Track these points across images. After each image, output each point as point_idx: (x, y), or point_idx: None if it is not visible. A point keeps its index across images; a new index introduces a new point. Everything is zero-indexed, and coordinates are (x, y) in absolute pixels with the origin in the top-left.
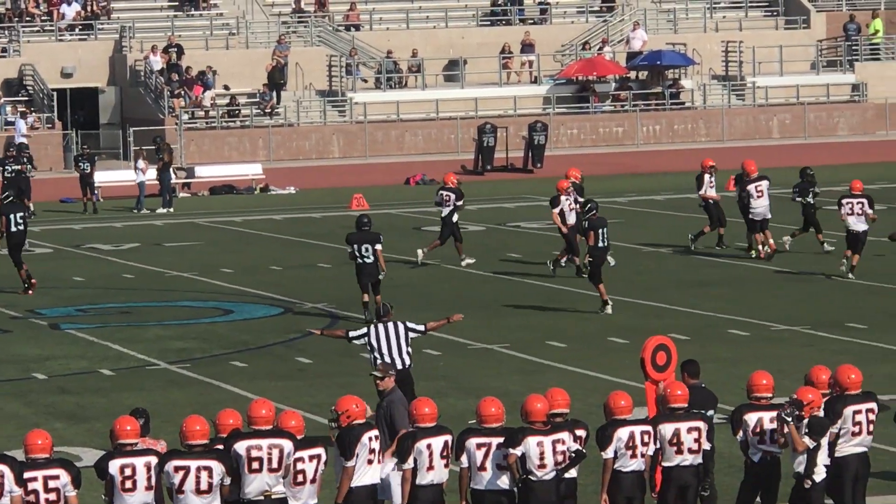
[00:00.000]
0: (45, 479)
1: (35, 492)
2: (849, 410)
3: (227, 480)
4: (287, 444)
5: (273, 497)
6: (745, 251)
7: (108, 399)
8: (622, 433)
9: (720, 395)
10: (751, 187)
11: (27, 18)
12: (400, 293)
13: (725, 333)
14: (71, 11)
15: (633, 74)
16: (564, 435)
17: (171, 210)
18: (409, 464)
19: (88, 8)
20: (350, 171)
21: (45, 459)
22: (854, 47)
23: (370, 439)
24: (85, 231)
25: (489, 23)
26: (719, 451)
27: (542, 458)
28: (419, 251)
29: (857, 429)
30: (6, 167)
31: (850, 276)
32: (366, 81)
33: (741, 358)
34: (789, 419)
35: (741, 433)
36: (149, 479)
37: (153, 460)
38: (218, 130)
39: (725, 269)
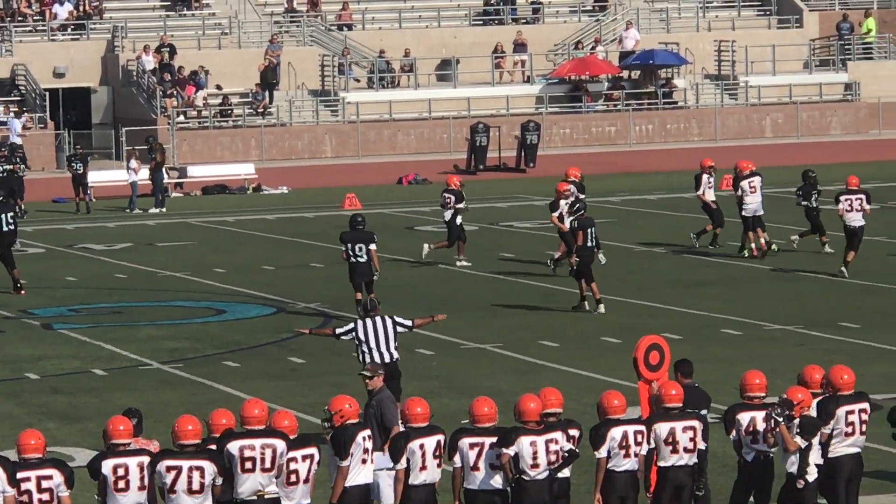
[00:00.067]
0: (39, 479)
1: (28, 492)
2: (841, 411)
3: (219, 480)
4: (280, 444)
5: (266, 497)
6: (738, 251)
7: (101, 399)
8: (615, 433)
9: (713, 394)
10: (744, 183)
11: (19, 18)
12: (394, 293)
13: (719, 333)
14: (63, 11)
15: (625, 74)
16: (557, 434)
17: (164, 210)
18: (402, 464)
19: (81, 8)
20: (342, 170)
21: (39, 459)
22: (847, 46)
23: (364, 439)
24: (77, 231)
25: (482, 22)
26: (713, 451)
27: (535, 458)
28: (426, 245)
29: (850, 429)
30: None
31: (844, 270)
32: (358, 81)
33: (734, 357)
34: (780, 419)
35: (734, 433)
36: (142, 479)
37: (146, 460)
38: (210, 130)
39: (719, 268)
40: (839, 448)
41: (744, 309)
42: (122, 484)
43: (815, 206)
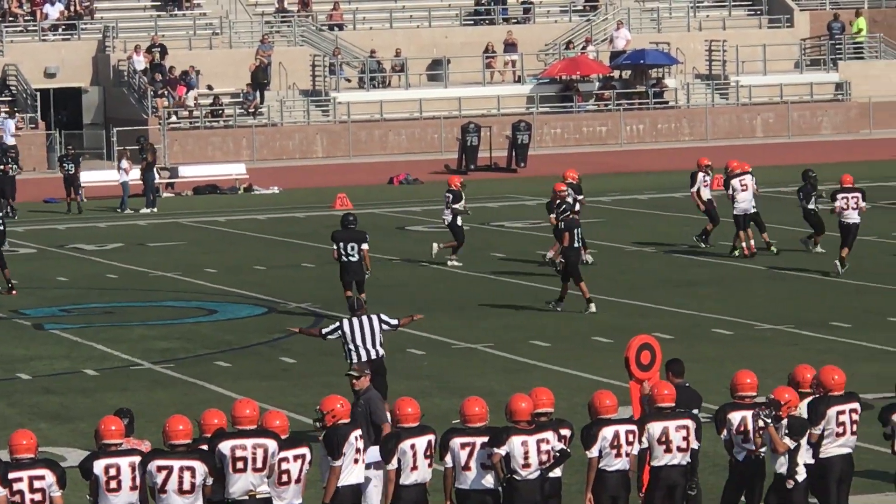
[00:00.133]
0: (31, 479)
1: (20, 492)
2: (832, 411)
3: (210, 481)
4: (271, 444)
5: (258, 497)
6: (729, 251)
7: (93, 399)
8: (607, 432)
9: (704, 394)
10: (734, 181)
11: (10, 18)
12: (385, 293)
13: (710, 333)
14: (54, 11)
15: (616, 74)
16: (549, 434)
17: (155, 210)
18: (393, 464)
19: (71, 8)
20: (334, 170)
21: (30, 459)
22: (837, 46)
23: (356, 438)
24: (69, 231)
25: (472, 22)
26: (704, 451)
27: (526, 458)
28: (434, 244)
29: (841, 429)
30: None
31: (838, 263)
32: (349, 81)
33: (725, 357)
34: (768, 420)
35: (725, 432)
36: (133, 479)
37: (138, 460)
38: (201, 130)
39: (709, 268)
40: (830, 448)
41: (735, 308)
42: (113, 484)
43: (813, 208)
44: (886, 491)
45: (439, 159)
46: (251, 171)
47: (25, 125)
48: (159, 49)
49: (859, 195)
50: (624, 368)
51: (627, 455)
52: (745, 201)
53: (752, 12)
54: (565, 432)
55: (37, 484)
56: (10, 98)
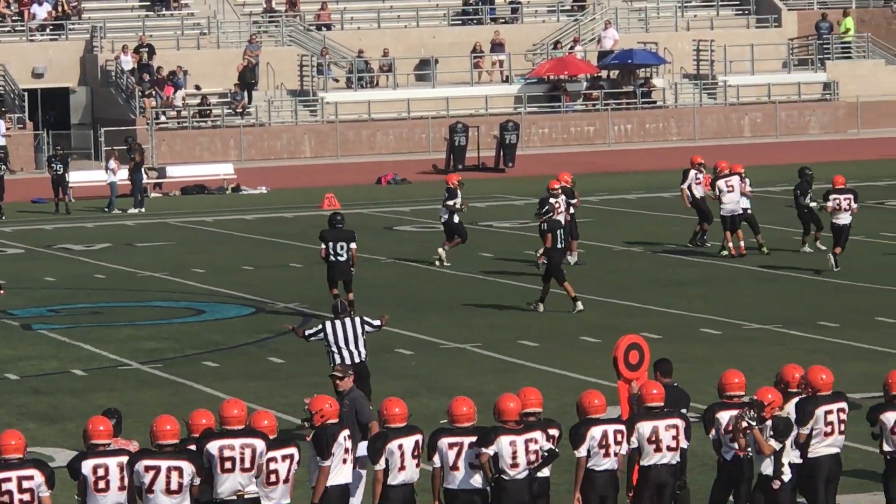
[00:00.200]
0: (20, 479)
1: (9, 492)
2: (820, 411)
3: (197, 481)
4: (259, 444)
5: (246, 497)
6: (718, 251)
7: (81, 399)
8: (595, 432)
9: (692, 394)
10: (720, 182)
11: None
12: (373, 293)
13: (698, 332)
14: (42, 11)
15: (604, 73)
16: (537, 434)
17: (143, 210)
18: (381, 464)
19: (59, 8)
20: (321, 170)
21: (19, 460)
22: (825, 46)
23: (345, 438)
24: (56, 231)
25: (460, 22)
26: (692, 450)
27: (514, 458)
28: (440, 250)
29: (829, 429)
30: None
31: (831, 257)
32: (337, 81)
33: (713, 357)
34: (753, 423)
35: (713, 432)
36: (122, 479)
37: (126, 460)
38: (189, 130)
39: (697, 268)
40: (818, 448)
41: (723, 308)
42: (102, 484)
43: (806, 203)
44: (874, 490)
45: (427, 159)
46: (239, 171)
47: (13, 125)
48: (147, 49)
49: (851, 196)
50: (612, 368)
51: (616, 455)
52: (731, 202)
53: (740, 12)
54: (553, 432)
55: (25, 484)
56: None
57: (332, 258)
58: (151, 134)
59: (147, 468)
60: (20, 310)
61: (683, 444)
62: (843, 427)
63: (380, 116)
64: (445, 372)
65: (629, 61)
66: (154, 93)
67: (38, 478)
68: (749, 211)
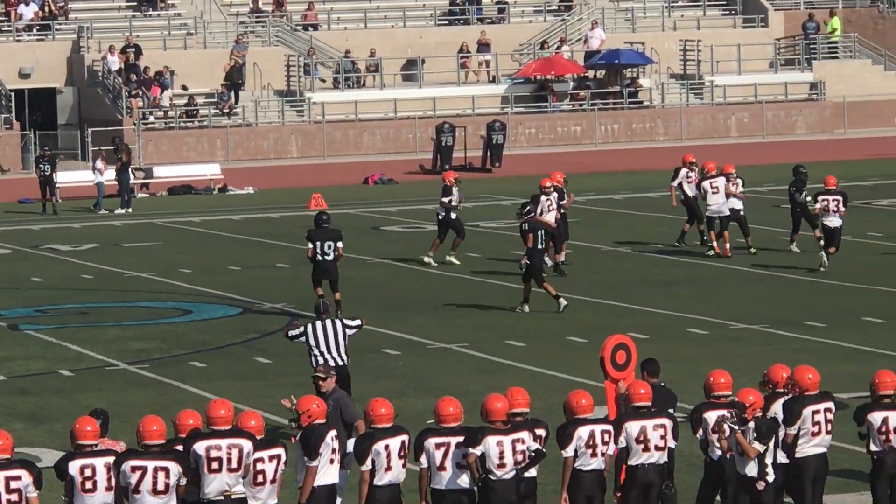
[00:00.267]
0: (7, 479)
1: None
2: (808, 411)
3: (184, 481)
4: (246, 444)
5: (233, 497)
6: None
7: (68, 400)
8: (582, 432)
9: (679, 394)
10: (705, 183)
11: None
12: (360, 293)
13: (684, 332)
14: (29, 12)
15: (591, 73)
16: (524, 434)
17: (130, 210)
18: (367, 465)
19: (46, 8)
20: (308, 170)
21: (7, 460)
22: (812, 46)
23: (332, 439)
24: (43, 231)
25: (447, 22)
26: (679, 450)
27: (501, 458)
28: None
29: (816, 429)
30: None
31: (822, 255)
32: (324, 81)
33: (700, 357)
34: (735, 427)
35: (700, 432)
36: (109, 479)
37: (113, 461)
38: (176, 131)
39: (684, 268)
40: (806, 448)
41: (710, 308)
42: (89, 484)
43: (801, 200)
44: (861, 490)
45: (414, 159)
46: (226, 172)
47: (0, 126)
48: (134, 49)
49: (840, 199)
50: (599, 368)
51: (603, 455)
52: (716, 203)
53: (727, 12)
54: (541, 432)
55: (13, 484)
56: None
57: (320, 258)
58: (138, 134)
59: (134, 468)
60: (7, 310)
61: (671, 443)
62: (830, 427)
63: (367, 116)
64: (432, 372)
65: (616, 61)
66: (141, 93)
67: (26, 478)
68: (742, 212)
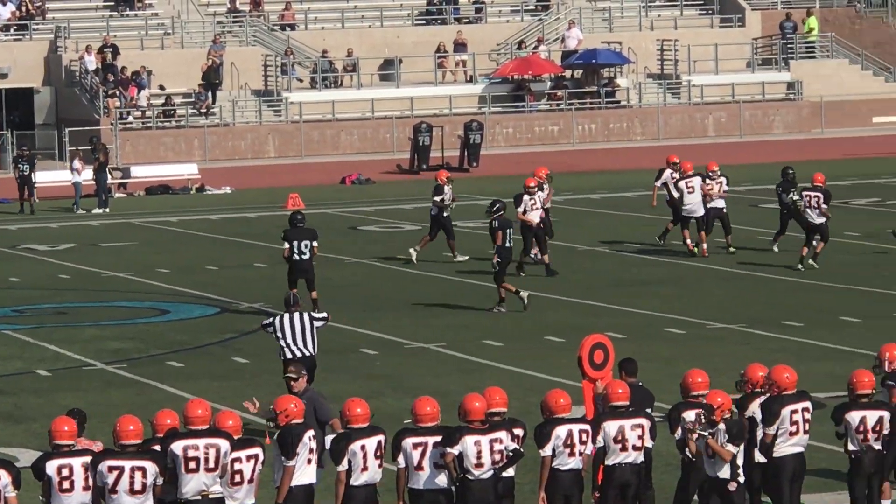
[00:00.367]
0: None
1: None
2: (786, 410)
3: (160, 480)
4: (224, 444)
5: (210, 497)
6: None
7: (45, 399)
8: (560, 431)
9: (657, 393)
10: (681, 183)
11: None
12: (338, 293)
13: (662, 332)
14: (6, 12)
15: (568, 73)
16: (502, 434)
17: (107, 210)
18: (343, 465)
19: (23, 8)
20: (286, 170)
21: None
22: (789, 45)
23: (310, 438)
24: (20, 231)
25: (424, 22)
26: (657, 450)
27: (479, 457)
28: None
29: (794, 428)
30: None
31: (813, 263)
32: (301, 81)
33: (677, 356)
34: (706, 433)
35: (679, 431)
36: (86, 479)
37: (90, 460)
38: (153, 130)
39: (661, 267)
40: (783, 448)
41: (688, 308)
42: (66, 484)
43: (788, 200)
44: (839, 490)
45: (391, 159)
46: (203, 172)
47: None
48: (111, 49)
49: (820, 196)
50: (577, 367)
51: (581, 454)
52: (691, 203)
53: (704, 12)
54: (518, 432)
55: None
56: None
57: (297, 257)
58: (116, 134)
59: (110, 468)
60: None
61: (648, 443)
62: (807, 426)
63: (344, 116)
64: (410, 372)
65: (593, 61)
66: (118, 93)
67: (5, 478)
68: (724, 210)
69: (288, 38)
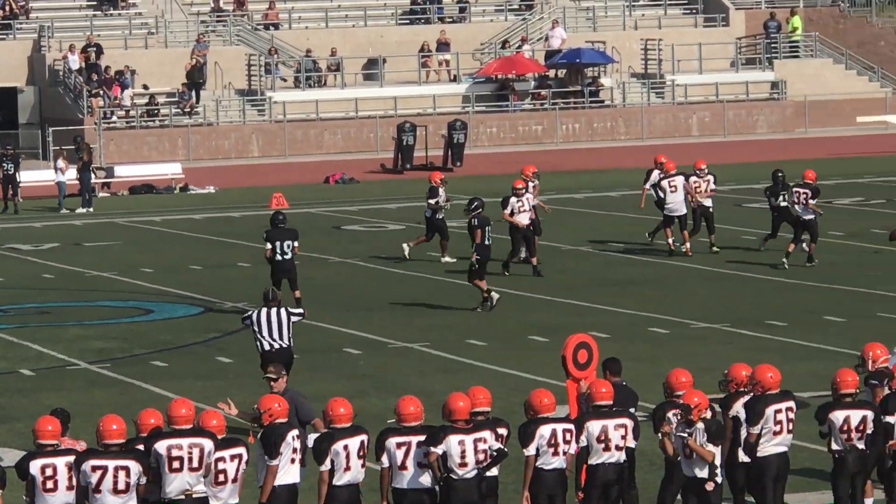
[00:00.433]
0: None
1: None
2: (770, 410)
3: (144, 480)
4: (207, 444)
5: (194, 496)
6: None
7: (29, 399)
8: (544, 430)
9: (640, 393)
10: (664, 182)
11: None
12: (321, 292)
13: (646, 331)
14: None
15: (552, 73)
16: (486, 434)
17: (91, 210)
18: (326, 465)
19: (7, 7)
20: (269, 170)
21: None
22: (773, 45)
23: (293, 438)
24: (4, 231)
25: (408, 21)
26: (641, 449)
27: (463, 457)
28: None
29: (777, 427)
30: None
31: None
32: (285, 80)
33: (661, 356)
34: (684, 435)
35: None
36: (70, 479)
37: (73, 460)
38: (137, 130)
39: (645, 267)
40: (767, 447)
41: (672, 307)
42: (50, 484)
43: (777, 204)
44: (822, 489)
45: (375, 159)
46: (187, 171)
47: None
48: (95, 49)
49: (808, 192)
50: (561, 367)
51: (564, 454)
52: (673, 202)
53: (688, 11)
54: (502, 431)
55: None
56: None
57: (279, 257)
58: (99, 133)
59: (94, 468)
60: None
61: (631, 443)
62: (791, 426)
63: (328, 116)
64: (394, 371)
65: (577, 60)
66: (102, 92)
67: None
68: (711, 209)
69: (272, 38)
